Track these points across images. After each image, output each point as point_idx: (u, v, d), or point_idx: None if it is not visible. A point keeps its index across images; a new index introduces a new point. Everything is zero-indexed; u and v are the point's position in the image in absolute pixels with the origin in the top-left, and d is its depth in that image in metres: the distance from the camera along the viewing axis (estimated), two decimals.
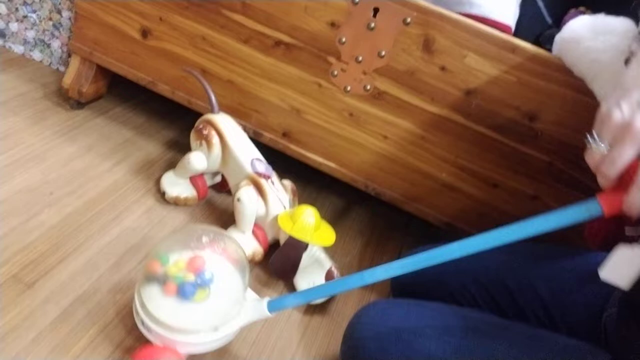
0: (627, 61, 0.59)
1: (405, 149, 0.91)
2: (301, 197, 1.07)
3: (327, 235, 0.87)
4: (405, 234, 1.13)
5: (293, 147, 0.98)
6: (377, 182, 0.96)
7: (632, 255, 0.48)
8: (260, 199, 0.88)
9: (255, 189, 0.88)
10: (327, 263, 0.88)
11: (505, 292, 0.70)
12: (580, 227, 0.73)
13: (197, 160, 0.93)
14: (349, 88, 0.89)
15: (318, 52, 0.88)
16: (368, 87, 0.88)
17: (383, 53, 0.84)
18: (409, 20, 0.80)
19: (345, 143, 0.95)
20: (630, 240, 0.54)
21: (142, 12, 0.98)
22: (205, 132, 0.91)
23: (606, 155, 0.45)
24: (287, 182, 0.96)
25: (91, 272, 0.78)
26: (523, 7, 0.88)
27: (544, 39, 0.87)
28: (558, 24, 0.88)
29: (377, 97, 0.88)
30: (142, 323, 0.65)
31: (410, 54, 0.83)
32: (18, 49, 1.26)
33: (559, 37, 0.75)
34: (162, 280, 0.65)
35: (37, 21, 1.21)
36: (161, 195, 0.97)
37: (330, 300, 0.88)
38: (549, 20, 0.90)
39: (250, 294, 0.69)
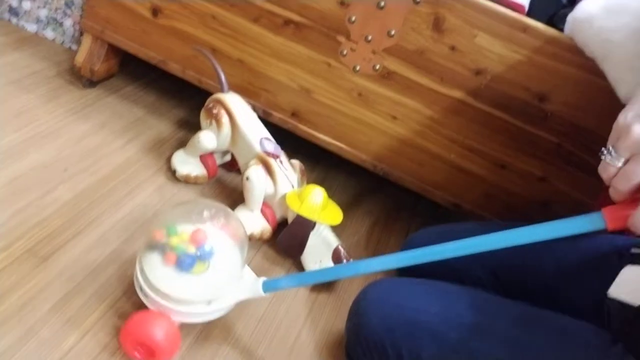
0: None
1: (414, 129, 0.91)
2: (310, 177, 1.07)
3: (334, 214, 0.88)
4: (413, 214, 1.14)
5: (302, 126, 0.99)
6: (386, 163, 0.96)
7: None
8: (268, 178, 0.89)
9: (264, 168, 0.89)
10: (335, 242, 0.89)
11: (511, 273, 0.71)
12: (591, 207, 0.73)
13: (207, 139, 0.94)
14: (358, 68, 0.89)
15: (327, 31, 0.88)
16: (377, 66, 0.88)
17: (393, 32, 0.83)
18: None
19: (353, 123, 0.95)
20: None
21: None
22: (215, 111, 0.92)
23: (621, 170, 0.44)
24: (296, 162, 0.96)
25: (104, 247, 0.80)
26: None
27: (557, 18, 0.86)
28: (573, 3, 0.86)
29: (386, 77, 0.88)
30: (141, 289, 0.67)
31: (420, 33, 0.82)
32: (31, 27, 1.27)
33: (571, 17, 0.74)
34: (163, 250, 0.66)
35: (50, 0, 1.22)
36: (172, 173, 0.99)
37: None
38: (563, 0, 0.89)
39: (248, 272, 0.70)
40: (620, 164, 0.44)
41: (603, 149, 0.45)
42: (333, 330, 0.82)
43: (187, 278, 0.65)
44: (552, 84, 0.79)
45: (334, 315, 0.84)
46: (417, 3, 0.80)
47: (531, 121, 0.83)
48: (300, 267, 0.89)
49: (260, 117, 0.96)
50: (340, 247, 0.87)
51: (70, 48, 1.26)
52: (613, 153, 0.44)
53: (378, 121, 0.93)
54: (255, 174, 0.87)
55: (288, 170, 0.91)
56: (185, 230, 0.68)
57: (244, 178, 0.89)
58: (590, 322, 0.59)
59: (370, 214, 1.10)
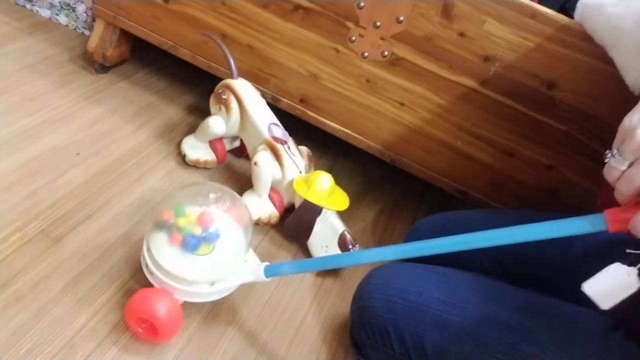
0: None
1: (422, 116, 0.91)
2: (318, 164, 1.08)
3: (341, 200, 0.88)
4: (420, 202, 1.14)
5: (310, 112, 0.99)
6: (393, 150, 0.97)
7: (625, 281, 0.46)
8: (276, 163, 0.90)
9: (272, 153, 0.89)
10: (341, 227, 0.90)
11: (516, 261, 0.71)
12: (595, 199, 0.72)
13: (216, 124, 0.95)
14: (366, 54, 0.89)
15: (336, 16, 0.88)
16: (386, 53, 0.87)
17: (401, 18, 0.83)
18: None
19: (361, 110, 0.95)
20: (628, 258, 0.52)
21: None
22: (224, 96, 0.93)
23: (625, 173, 0.43)
24: (304, 148, 0.97)
25: (115, 229, 0.82)
26: None
27: (569, 5, 0.85)
28: None
29: (394, 63, 0.88)
30: (146, 266, 0.68)
31: (429, 20, 0.82)
32: (45, 12, 1.28)
33: (581, 3, 0.73)
34: (170, 230, 0.68)
35: None
36: (182, 158, 1.00)
37: None
38: None
39: (251, 255, 0.72)
40: (624, 167, 0.43)
41: (608, 151, 0.45)
42: (338, 314, 0.83)
43: (192, 258, 0.67)
44: (561, 71, 0.78)
45: (339, 300, 0.85)
46: None
47: (539, 109, 0.82)
48: (306, 252, 0.90)
49: (269, 103, 0.97)
50: (346, 232, 0.88)
51: (83, 33, 1.27)
52: (617, 156, 0.43)
53: (386, 108, 0.93)
54: (263, 159, 0.88)
55: (296, 156, 0.91)
56: (192, 212, 0.69)
57: (252, 163, 0.90)
58: (593, 309, 0.59)
59: (377, 201, 1.10)
